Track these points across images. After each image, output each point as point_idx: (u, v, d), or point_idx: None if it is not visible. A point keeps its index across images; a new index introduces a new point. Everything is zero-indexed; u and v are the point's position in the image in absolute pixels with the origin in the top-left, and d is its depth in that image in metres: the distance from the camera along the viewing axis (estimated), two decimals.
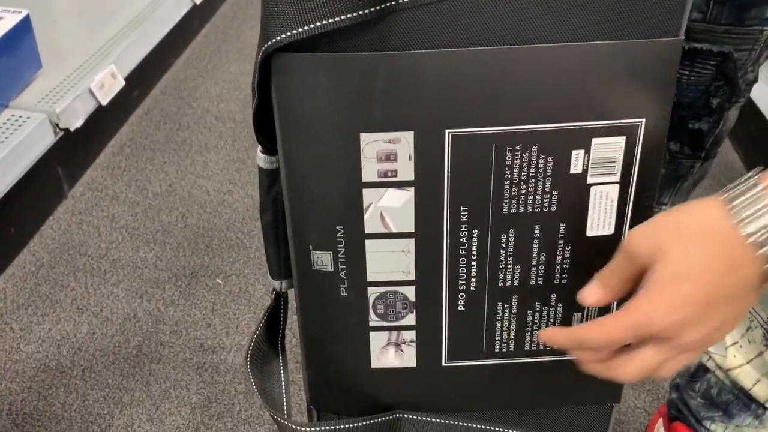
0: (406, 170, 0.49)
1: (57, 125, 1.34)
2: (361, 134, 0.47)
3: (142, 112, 1.74)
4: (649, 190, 0.51)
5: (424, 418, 0.60)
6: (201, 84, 1.87)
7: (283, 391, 0.62)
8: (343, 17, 0.43)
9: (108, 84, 1.47)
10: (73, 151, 1.47)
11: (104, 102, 1.45)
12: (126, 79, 1.54)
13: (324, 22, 0.43)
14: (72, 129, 1.37)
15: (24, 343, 1.16)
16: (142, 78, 1.73)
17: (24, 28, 1.31)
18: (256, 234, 1.39)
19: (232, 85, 1.88)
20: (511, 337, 0.56)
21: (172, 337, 1.18)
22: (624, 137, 0.48)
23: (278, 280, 0.59)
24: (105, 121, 1.58)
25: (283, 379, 0.62)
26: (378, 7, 0.43)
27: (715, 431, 0.84)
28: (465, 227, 0.51)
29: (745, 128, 1.63)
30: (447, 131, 0.48)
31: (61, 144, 1.38)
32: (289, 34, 0.43)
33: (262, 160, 0.53)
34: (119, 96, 1.52)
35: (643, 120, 0.48)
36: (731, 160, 1.65)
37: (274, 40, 0.44)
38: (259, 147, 0.53)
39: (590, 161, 0.49)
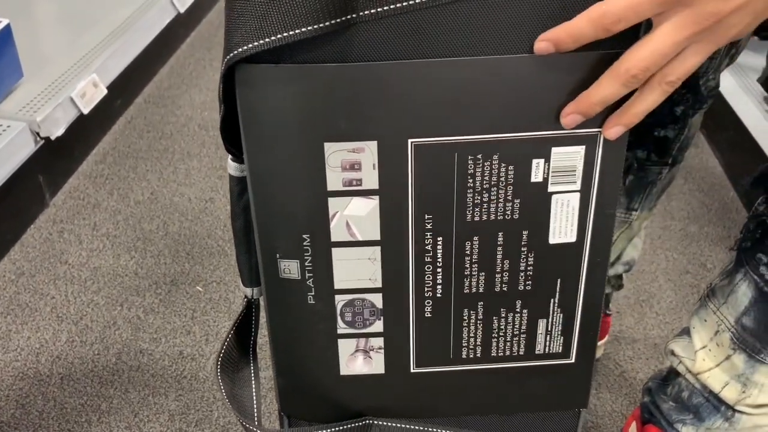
0: (370, 179, 0.50)
1: (38, 134, 1.34)
2: (325, 143, 0.48)
3: (125, 121, 1.74)
4: (611, 198, 0.52)
5: (393, 424, 0.60)
6: (185, 92, 1.87)
7: (254, 399, 0.62)
8: (303, 29, 0.44)
9: (90, 93, 1.48)
10: (54, 160, 1.47)
11: (86, 111, 1.45)
12: (108, 88, 1.55)
13: (285, 34, 0.44)
14: (53, 137, 1.37)
15: (2, 352, 1.16)
16: (125, 86, 1.74)
17: (5, 37, 1.31)
18: None
19: (215, 93, 1.89)
20: (478, 343, 0.57)
21: (151, 345, 1.18)
22: (583, 146, 0.49)
23: (250, 287, 0.59)
24: (87, 129, 1.59)
25: (254, 386, 0.63)
26: (338, 20, 0.44)
27: None
28: (430, 234, 0.52)
29: (724, 133, 1.65)
30: (410, 140, 0.48)
31: (43, 152, 1.38)
32: (250, 45, 0.44)
33: (232, 167, 0.53)
34: (102, 104, 1.52)
35: (602, 129, 0.49)
36: (711, 165, 1.67)
37: (236, 52, 0.44)
38: (229, 155, 0.53)
39: (550, 170, 0.50)
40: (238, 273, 1.33)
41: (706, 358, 0.79)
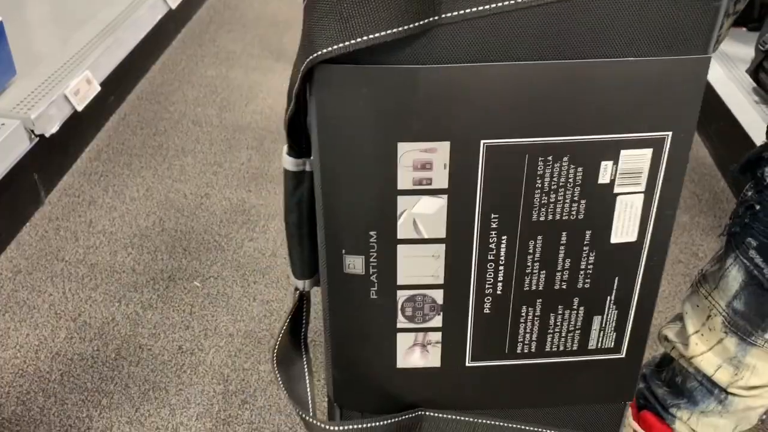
0: (440, 179, 0.50)
1: (32, 131, 1.34)
2: (398, 144, 0.48)
3: (119, 118, 1.74)
4: (672, 200, 0.52)
5: (445, 416, 0.60)
6: (178, 88, 1.88)
7: (308, 390, 0.63)
8: (387, 32, 0.43)
9: (83, 90, 1.48)
10: (49, 157, 1.47)
11: (80, 108, 1.45)
12: (102, 85, 1.55)
13: (369, 36, 0.44)
14: (47, 135, 1.37)
15: (1, 349, 1.16)
16: (119, 83, 1.74)
17: None
18: (234, 237, 1.40)
19: (209, 89, 1.89)
20: (534, 338, 0.58)
21: (150, 340, 1.19)
22: (651, 149, 0.50)
23: (302, 279, 0.59)
24: (81, 126, 1.59)
25: (307, 378, 0.63)
26: (421, 22, 0.44)
27: (681, 418, 0.87)
28: (495, 234, 0.52)
29: (713, 124, 1.67)
30: (482, 142, 0.49)
31: (37, 150, 1.38)
32: (334, 47, 0.44)
33: (288, 162, 0.54)
34: (95, 101, 1.52)
35: (670, 133, 0.49)
36: (701, 155, 1.69)
37: (319, 53, 0.44)
38: (285, 149, 0.53)
39: (618, 172, 0.50)
40: (234, 268, 1.34)
41: (699, 342, 0.81)
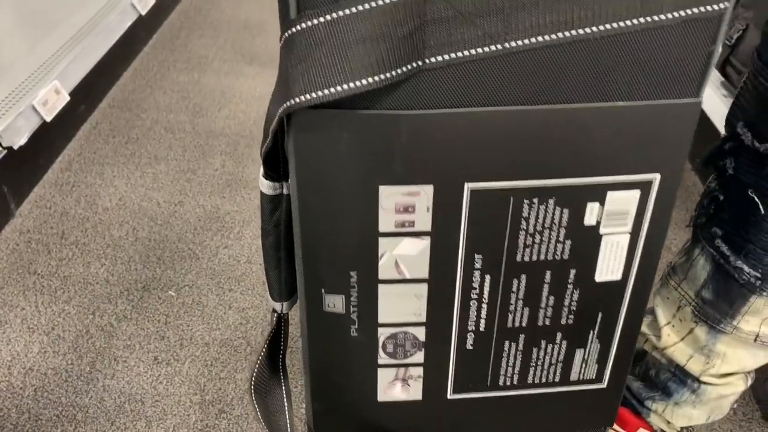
0: (423, 221, 0.49)
1: (0, 143, 1.32)
2: (380, 186, 0.47)
3: (90, 126, 1.72)
4: (658, 239, 0.52)
5: None
6: (149, 95, 1.86)
7: (288, 423, 0.62)
8: (369, 80, 0.41)
9: (52, 100, 1.46)
10: (18, 169, 1.46)
11: (48, 118, 1.43)
12: (71, 94, 1.53)
13: (349, 86, 0.41)
14: (16, 147, 1.35)
15: None
16: (89, 92, 1.72)
17: None
18: (208, 244, 1.39)
19: (180, 95, 1.87)
20: (516, 371, 0.57)
21: (125, 352, 1.18)
22: (638, 191, 0.49)
23: (279, 301, 0.58)
24: (51, 137, 1.57)
25: (287, 409, 0.62)
26: (405, 69, 0.42)
27: (656, 410, 0.88)
28: (478, 273, 0.52)
29: None
30: (467, 185, 0.48)
31: (6, 162, 1.37)
32: (312, 96, 0.42)
33: (265, 185, 0.52)
34: (65, 111, 1.50)
35: (658, 175, 0.48)
36: None
37: (295, 101, 0.42)
38: (262, 172, 0.52)
39: (604, 213, 0.50)
40: (209, 276, 1.33)
41: (671, 333, 0.82)
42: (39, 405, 1.09)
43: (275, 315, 0.60)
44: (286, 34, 0.42)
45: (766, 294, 0.71)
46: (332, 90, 0.41)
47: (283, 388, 0.63)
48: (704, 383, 0.82)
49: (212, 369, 1.15)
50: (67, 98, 1.51)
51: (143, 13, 1.91)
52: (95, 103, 1.79)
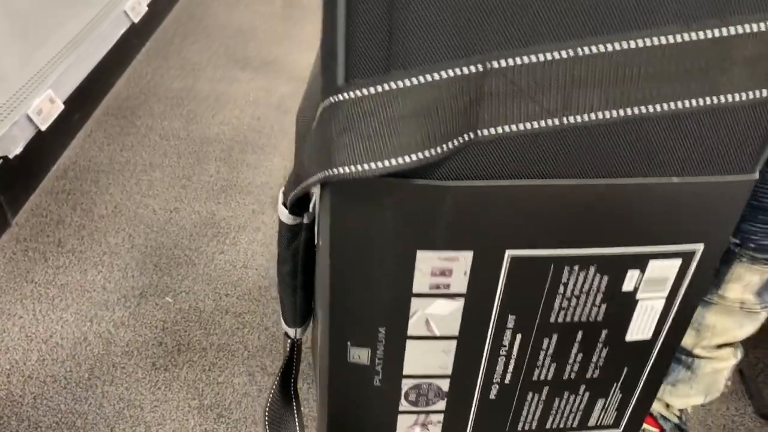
0: (459, 284, 0.48)
1: None
2: (418, 251, 0.46)
3: (85, 135, 1.73)
4: (693, 304, 0.52)
5: None
6: (144, 102, 1.87)
7: None
8: (420, 156, 0.39)
9: (46, 109, 1.47)
10: (14, 179, 1.46)
11: (43, 127, 1.44)
12: (65, 103, 1.54)
13: (400, 161, 0.39)
14: (11, 156, 1.36)
15: None
16: (83, 100, 1.73)
17: None
18: (204, 250, 1.41)
19: (175, 101, 1.88)
20: (536, 418, 0.58)
21: (123, 359, 1.19)
22: (680, 259, 0.49)
23: (293, 327, 0.58)
24: (46, 146, 1.58)
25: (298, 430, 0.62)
26: (456, 143, 0.40)
27: None
28: (509, 332, 0.52)
29: None
30: (507, 252, 0.47)
31: (1, 172, 1.37)
32: (359, 168, 0.39)
33: (284, 215, 0.51)
34: (59, 120, 1.51)
35: (702, 245, 0.48)
36: None
37: (340, 171, 0.40)
38: (281, 198, 0.50)
39: (644, 280, 0.49)
40: (206, 282, 1.33)
41: None
42: (38, 412, 1.10)
43: (288, 341, 0.59)
44: (331, 99, 0.40)
45: (745, 260, 0.74)
46: (379, 165, 0.39)
47: (296, 417, 0.62)
48: (698, 357, 0.85)
49: (210, 374, 1.16)
50: (62, 107, 1.52)
51: (136, 20, 1.92)
52: (90, 112, 1.80)
